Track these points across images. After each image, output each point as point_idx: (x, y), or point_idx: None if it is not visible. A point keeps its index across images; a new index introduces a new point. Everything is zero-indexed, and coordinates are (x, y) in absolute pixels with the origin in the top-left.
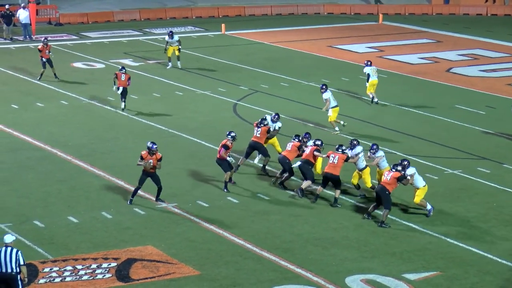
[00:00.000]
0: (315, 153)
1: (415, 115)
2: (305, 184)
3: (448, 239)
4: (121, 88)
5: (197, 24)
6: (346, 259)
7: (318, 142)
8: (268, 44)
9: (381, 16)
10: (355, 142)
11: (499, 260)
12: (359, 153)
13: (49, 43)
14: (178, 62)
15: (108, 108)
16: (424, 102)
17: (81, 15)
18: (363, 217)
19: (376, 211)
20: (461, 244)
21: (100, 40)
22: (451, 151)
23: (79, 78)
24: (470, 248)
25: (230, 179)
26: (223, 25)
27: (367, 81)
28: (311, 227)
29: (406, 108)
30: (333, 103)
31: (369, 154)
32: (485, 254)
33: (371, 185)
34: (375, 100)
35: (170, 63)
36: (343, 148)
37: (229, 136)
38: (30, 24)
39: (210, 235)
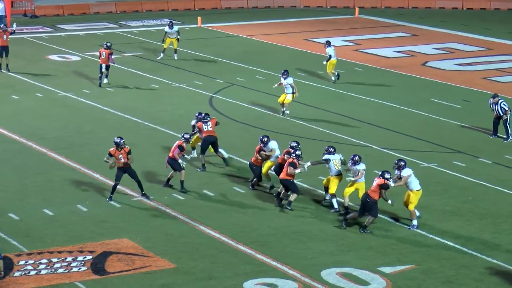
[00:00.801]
0: (285, 156)
1: (391, 108)
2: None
3: (424, 233)
4: (103, 66)
5: (173, 16)
6: (322, 253)
7: (293, 144)
8: (244, 37)
9: (357, 9)
10: (357, 158)
11: (475, 253)
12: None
13: (9, 30)
14: (175, 55)
15: (84, 101)
16: (400, 95)
17: (57, 7)
18: (342, 227)
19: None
20: (436, 238)
21: (75, 33)
22: (427, 145)
23: (54, 70)
24: (446, 241)
25: (182, 184)
26: (199, 18)
27: (327, 61)
28: (287, 221)
29: (382, 102)
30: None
31: (349, 165)
32: (461, 248)
33: (333, 192)
34: (335, 78)
35: (162, 54)
36: (296, 152)
37: (183, 138)
38: (6, 16)
39: (186, 228)
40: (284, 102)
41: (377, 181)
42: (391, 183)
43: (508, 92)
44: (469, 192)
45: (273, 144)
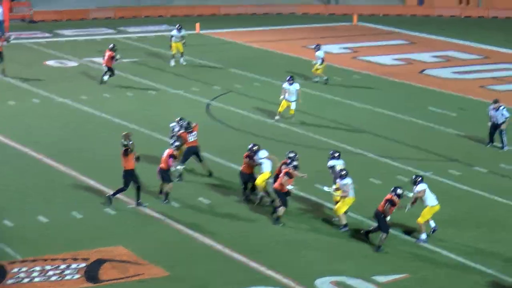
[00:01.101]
0: (283, 167)
1: (388, 116)
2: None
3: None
4: (103, 66)
5: (172, 22)
6: (316, 261)
7: (291, 155)
8: (242, 43)
9: (355, 16)
10: (344, 173)
11: (469, 263)
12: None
13: (4, 36)
14: (182, 58)
15: (81, 106)
16: (397, 103)
17: (55, 13)
18: (361, 233)
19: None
20: (431, 247)
21: (74, 38)
22: (423, 153)
23: (52, 76)
24: (440, 250)
25: (166, 195)
26: (198, 24)
27: (320, 64)
28: (282, 229)
29: (379, 109)
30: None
31: (337, 181)
32: (456, 257)
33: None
34: (320, 79)
35: (173, 60)
36: (293, 163)
37: (174, 146)
38: (4, 21)
39: (180, 236)
40: (290, 113)
41: (387, 196)
42: (409, 195)
43: (504, 101)
44: (464, 200)
45: (262, 154)
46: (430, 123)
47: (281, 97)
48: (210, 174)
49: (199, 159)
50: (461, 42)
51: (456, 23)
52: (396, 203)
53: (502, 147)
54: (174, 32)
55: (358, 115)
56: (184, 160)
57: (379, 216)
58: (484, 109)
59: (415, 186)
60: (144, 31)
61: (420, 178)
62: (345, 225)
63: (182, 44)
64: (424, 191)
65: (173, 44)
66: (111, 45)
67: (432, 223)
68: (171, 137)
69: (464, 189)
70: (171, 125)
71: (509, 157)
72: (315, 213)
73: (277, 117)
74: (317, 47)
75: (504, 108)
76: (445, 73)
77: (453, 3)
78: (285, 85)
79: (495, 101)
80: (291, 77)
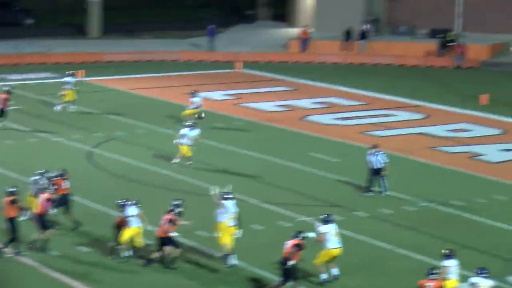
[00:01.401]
0: (167, 216)
1: (269, 162)
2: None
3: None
4: None
5: (54, 70)
6: None
7: (175, 203)
8: (125, 91)
9: (239, 63)
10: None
11: None
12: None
13: None
14: (73, 106)
15: None
16: (278, 149)
17: None
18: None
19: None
20: None
21: None
22: (304, 199)
23: None
24: None
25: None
26: (81, 71)
27: (195, 108)
28: (163, 276)
29: (261, 155)
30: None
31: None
32: None
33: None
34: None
35: (60, 106)
36: (177, 209)
37: (51, 190)
38: None
39: (59, 285)
40: (182, 154)
41: (291, 241)
42: (310, 235)
43: (384, 146)
44: (345, 245)
45: (131, 211)
46: (311, 168)
47: (175, 141)
48: (75, 227)
49: (67, 209)
50: (343, 88)
51: (338, 69)
52: (303, 247)
53: (381, 192)
54: (68, 79)
55: (239, 161)
56: (56, 206)
57: (285, 262)
58: (365, 155)
59: (320, 225)
60: (25, 79)
61: (330, 219)
62: (226, 255)
63: (75, 91)
64: (325, 234)
65: (68, 92)
66: (7, 88)
67: (336, 271)
68: (37, 190)
69: (345, 234)
70: (32, 178)
71: (389, 202)
72: (198, 260)
73: (189, 162)
74: (193, 94)
75: (383, 153)
76: (326, 119)
77: (335, 50)
78: (185, 130)
79: (374, 146)
80: (194, 122)
